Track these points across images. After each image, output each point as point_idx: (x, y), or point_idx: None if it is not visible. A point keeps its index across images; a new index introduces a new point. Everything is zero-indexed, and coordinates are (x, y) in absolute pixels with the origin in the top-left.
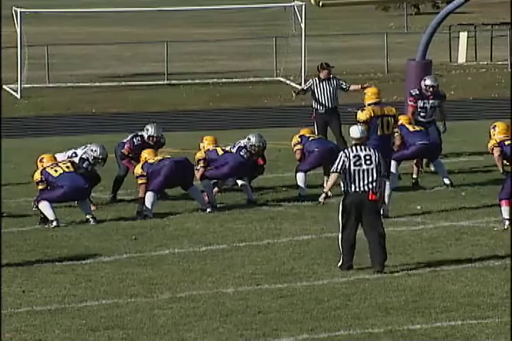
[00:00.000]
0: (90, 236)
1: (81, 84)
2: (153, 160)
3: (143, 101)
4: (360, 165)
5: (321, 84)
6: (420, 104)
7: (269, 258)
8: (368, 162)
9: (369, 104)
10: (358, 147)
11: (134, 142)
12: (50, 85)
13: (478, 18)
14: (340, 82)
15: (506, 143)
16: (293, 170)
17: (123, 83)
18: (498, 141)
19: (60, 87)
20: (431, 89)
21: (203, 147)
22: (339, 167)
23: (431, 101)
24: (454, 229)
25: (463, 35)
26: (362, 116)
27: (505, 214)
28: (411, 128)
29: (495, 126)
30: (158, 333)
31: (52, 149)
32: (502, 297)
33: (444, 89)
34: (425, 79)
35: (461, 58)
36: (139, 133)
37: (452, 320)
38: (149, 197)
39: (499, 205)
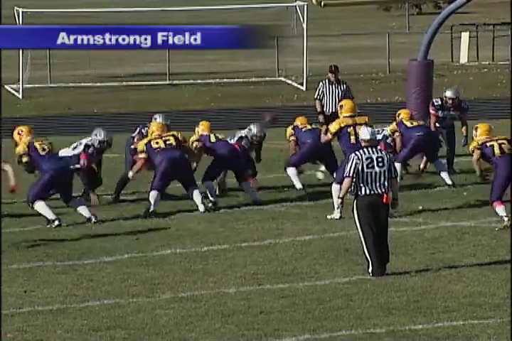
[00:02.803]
0: (92, 236)
1: (82, 84)
2: (157, 144)
3: (144, 102)
4: (373, 167)
5: (329, 87)
6: (440, 114)
7: (270, 258)
8: (381, 164)
9: (344, 117)
10: (370, 149)
11: (142, 133)
12: (52, 85)
13: (479, 18)
14: (349, 89)
15: (488, 144)
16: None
17: (124, 83)
18: (480, 143)
19: (62, 87)
20: (450, 101)
21: (197, 132)
22: (352, 171)
23: (451, 113)
24: (455, 229)
25: (464, 35)
26: (332, 127)
27: (502, 213)
28: (409, 124)
29: (477, 127)
30: (159, 333)
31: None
32: (504, 297)
33: (446, 89)
34: (445, 91)
35: (463, 58)
36: (147, 124)
37: (454, 320)
38: (153, 196)
39: (493, 207)
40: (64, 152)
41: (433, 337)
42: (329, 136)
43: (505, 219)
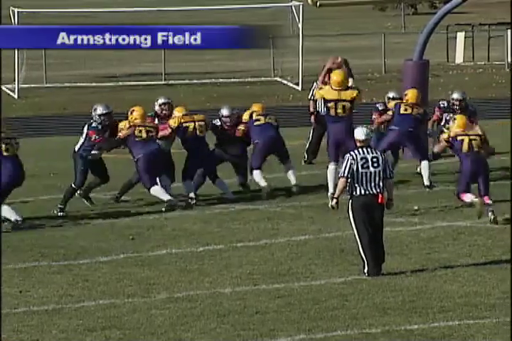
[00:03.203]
0: (87, 236)
1: (78, 84)
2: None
3: (140, 102)
4: (368, 167)
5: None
6: (446, 116)
7: (266, 258)
8: (376, 164)
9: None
10: (365, 149)
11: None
12: (48, 85)
13: (475, 18)
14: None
15: (459, 138)
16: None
17: (120, 83)
18: (452, 135)
19: (57, 87)
20: (457, 103)
21: (176, 116)
22: (347, 171)
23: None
24: (451, 229)
25: (460, 35)
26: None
27: (471, 198)
28: (402, 110)
29: (455, 119)
30: (155, 333)
31: (49, 148)
32: (499, 297)
33: (442, 89)
34: (453, 93)
35: (459, 58)
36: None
37: (450, 320)
38: (156, 191)
39: (461, 200)
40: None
41: (429, 337)
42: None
43: (476, 200)
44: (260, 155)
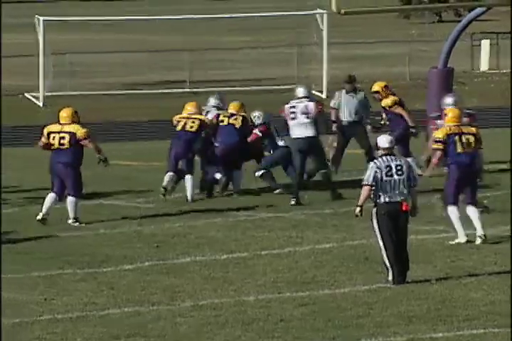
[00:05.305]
0: (112, 244)
1: (103, 92)
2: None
3: (165, 109)
4: (392, 175)
5: (345, 97)
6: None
7: (290, 266)
8: (400, 172)
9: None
10: (388, 157)
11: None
12: (73, 93)
13: (500, 26)
14: (367, 99)
15: (454, 139)
16: (311, 178)
17: (145, 91)
18: (448, 133)
19: (83, 94)
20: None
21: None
22: (371, 179)
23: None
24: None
25: (485, 43)
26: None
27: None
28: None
29: (445, 114)
30: None
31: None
32: None
33: (466, 96)
34: (445, 98)
35: (484, 66)
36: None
37: (474, 329)
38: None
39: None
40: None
41: None
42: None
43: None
44: (217, 160)
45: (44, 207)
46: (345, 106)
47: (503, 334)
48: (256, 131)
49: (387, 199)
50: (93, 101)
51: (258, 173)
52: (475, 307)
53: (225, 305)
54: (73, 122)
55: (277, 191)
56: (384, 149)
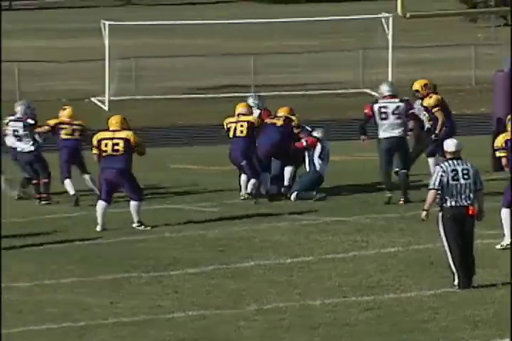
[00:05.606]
0: (177, 248)
1: (169, 96)
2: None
3: (230, 113)
4: (458, 179)
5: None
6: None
7: (355, 270)
8: (466, 176)
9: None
10: (455, 161)
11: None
12: (138, 97)
13: None
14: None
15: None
16: (375, 184)
17: (210, 95)
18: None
19: (148, 99)
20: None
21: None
22: (437, 183)
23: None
24: None
25: None
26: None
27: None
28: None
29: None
30: None
31: (135, 162)
32: None
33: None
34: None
35: None
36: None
37: None
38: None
39: None
40: None
41: None
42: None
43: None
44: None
45: (99, 217)
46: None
47: None
48: (304, 140)
49: (453, 204)
50: (157, 105)
51: (293, 196)
52: None
53: (290, 309)
54: (123, 129)
55: (317, 197)
56: (450, 153)
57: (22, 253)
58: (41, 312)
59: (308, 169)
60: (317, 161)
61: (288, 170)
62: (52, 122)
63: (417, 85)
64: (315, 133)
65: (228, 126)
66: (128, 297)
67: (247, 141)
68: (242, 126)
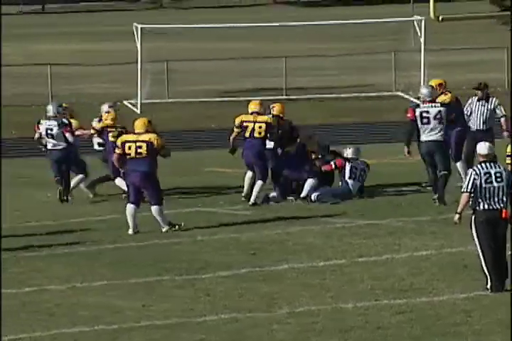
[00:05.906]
0: (209, 251)
1: (200, 99)
2: None
3: None
4: (491, 182)
5: (477, 104)
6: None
7: (388, 273)
8: (499, 179)
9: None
10: (488, 164)
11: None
12: (170, 100)
13: None
14: (500, 107)
15: None
16: (408, 185)
17: (242, 98)
18: None
19: (180, 102)
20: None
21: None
22: (470, 186)
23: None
24: None
25: None
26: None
27: None
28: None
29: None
30: None
31: (168, 165)
32: None
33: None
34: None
35: None
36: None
37: None
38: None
39: None
40: None
41: None
42: None
43: None
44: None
45: (129, 220)
46: (475, 114)
47: None
48: (332, 163)
49: (486, 207)
50: (189, 108)
51: (314, 196)
52: None
53: (322, 312)
54: (147, 131)
55: (333, 200)
56: (483, 156)
57: (54, 257)
58: (74, 315)
59: (340, 184)
60: (349, 182)
61: (309, 182)
62: (98, 126)
63: (432, 83)
64: (346, 153)
65: (244, 124)
66: (160, 300)
67: (262, 142)
68: (260, 127)
